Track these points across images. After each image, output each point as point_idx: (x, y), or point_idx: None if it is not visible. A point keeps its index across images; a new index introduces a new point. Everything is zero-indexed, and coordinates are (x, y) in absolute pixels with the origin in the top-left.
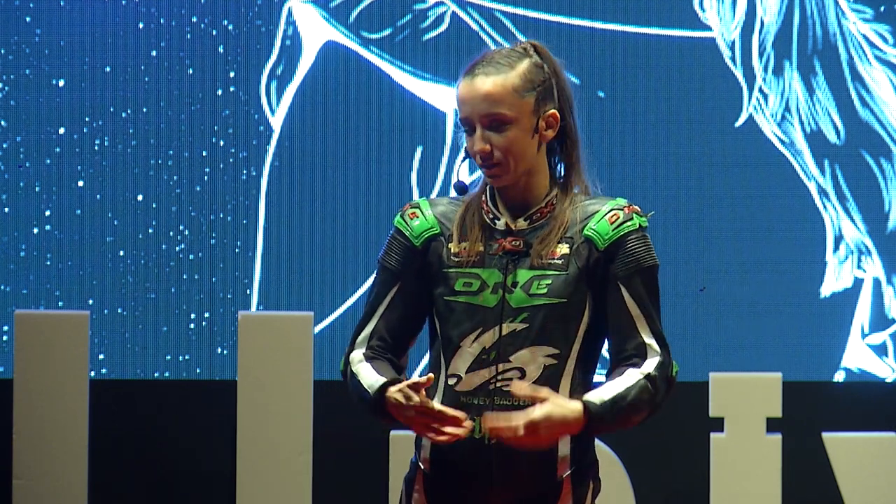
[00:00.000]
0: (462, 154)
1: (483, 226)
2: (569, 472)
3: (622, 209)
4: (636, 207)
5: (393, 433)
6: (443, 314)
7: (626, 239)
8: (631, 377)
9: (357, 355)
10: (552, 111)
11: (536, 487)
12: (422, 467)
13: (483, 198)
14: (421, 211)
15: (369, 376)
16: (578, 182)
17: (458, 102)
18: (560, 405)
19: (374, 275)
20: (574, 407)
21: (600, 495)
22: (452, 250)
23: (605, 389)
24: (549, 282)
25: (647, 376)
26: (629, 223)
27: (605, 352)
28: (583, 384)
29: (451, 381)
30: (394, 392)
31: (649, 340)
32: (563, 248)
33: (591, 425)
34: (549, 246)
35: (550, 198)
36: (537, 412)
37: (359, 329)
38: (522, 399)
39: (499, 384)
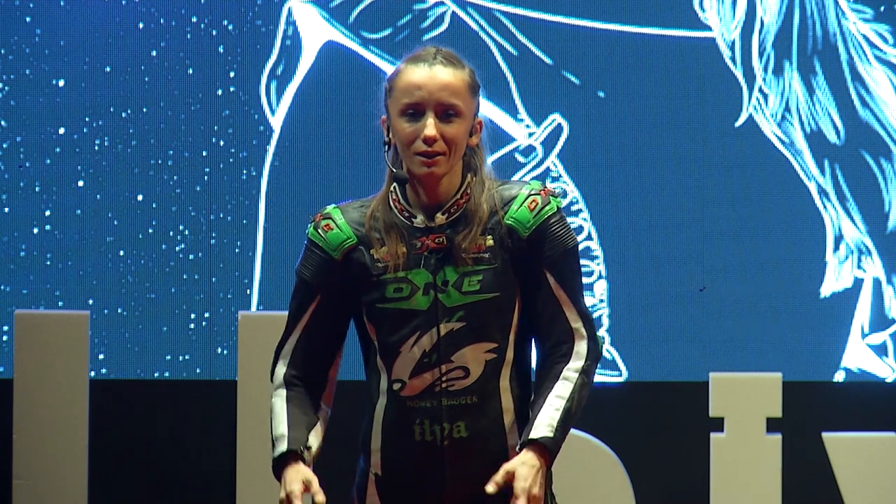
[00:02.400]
0: (387, 141)
1: (400, 226)
2: None
3: (538, 194)
4: (551, 188)
5: None
6: (377, 321)
7: (548, 224)
8: (570, 381)
9: (280, 373)
10: (479, 119)
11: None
12: (373, 472)
13: (393, 196)
14: (334, 221)
15: (279, 425)
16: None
17: (411, 87)
18: (519, 462)
19: (294, 285)
20: (526, 456)
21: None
22: (376, 256)
23: (552, 410)
24: (479, 277)
25: (584, 371)
26: (548, 207)
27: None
28: (519, 372)
29: (396, 387)
30: (289, 483)
31: (576, 324)
32: (488, 241)
33: (553, 454)
34: (473, 240)
35: (464, 188)
36: (520, 483)
37: (282, 341)
38: (470, 397)
39: (444, 385)
